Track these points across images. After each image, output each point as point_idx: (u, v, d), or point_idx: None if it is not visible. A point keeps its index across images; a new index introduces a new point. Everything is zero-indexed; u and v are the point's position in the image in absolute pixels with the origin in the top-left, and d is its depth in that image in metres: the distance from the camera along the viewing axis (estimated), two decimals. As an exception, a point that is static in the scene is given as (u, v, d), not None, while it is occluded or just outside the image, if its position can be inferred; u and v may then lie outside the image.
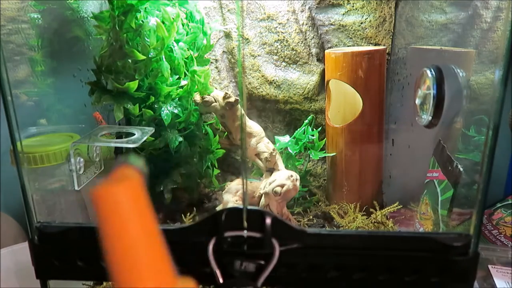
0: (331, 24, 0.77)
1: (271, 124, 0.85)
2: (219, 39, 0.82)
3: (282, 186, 0.63)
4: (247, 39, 0.80)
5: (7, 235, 0.68)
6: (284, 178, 0.64)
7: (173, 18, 0.61)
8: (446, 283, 0.35)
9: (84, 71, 0.69)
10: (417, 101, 0.66)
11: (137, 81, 0.60)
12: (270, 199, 0.65)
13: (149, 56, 0.60)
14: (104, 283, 0.57)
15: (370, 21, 0.75)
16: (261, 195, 0.68)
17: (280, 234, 0.34)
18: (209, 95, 0.69)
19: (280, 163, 0.69)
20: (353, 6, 0.75)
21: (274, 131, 0.85)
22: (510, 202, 0.73)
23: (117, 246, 0.22)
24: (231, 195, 0.68)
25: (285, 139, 0.76)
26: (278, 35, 0.79)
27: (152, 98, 0.63)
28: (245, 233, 0.34)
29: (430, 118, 0.61)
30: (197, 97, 0.70)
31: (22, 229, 0.72)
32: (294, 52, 0.79)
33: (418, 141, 0.74)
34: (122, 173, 0.24)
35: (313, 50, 0.79)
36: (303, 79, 0.80)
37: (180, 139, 0.67)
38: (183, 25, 0.67)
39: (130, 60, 0.59)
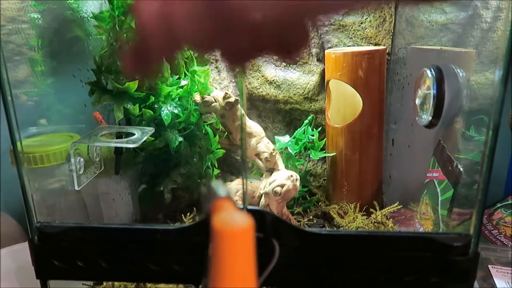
0: (331, 24, 0.77)
1: (271, 124, 0.85)
2: (219, 39, 0.82)
3: (282, 186, 0.63)
4: (247, 39, 0.80)
5: (7, 235, 0.68)
6: (284, 178, 0.64)
7: (173, 18, 0.61)
8: (446, 283, 0.35)
9: (84, 71, 0.69)
10: (417, 101, 0.66)
11: (137, 81, 0.60)
12: (270, 199, 0.65)
13: (149, 56, 0.60)
14: (104, 283, 0.57)
15: (370, 21, 0.75)
16: (261, 195, 0.68)
17: (280, 234, 0.34)
18: (209, 95, 0.69)
19: (280, 163, 0.69)
20: (353, 6, 0.75)
21: (274, 131, 0.85)
22: (510, 202, 0.73)
23: (224, 276, 0.25)
24: (231, 195, 0.68)
25: (285, 139, 0.76)
26: (278, 35, 0.78)
27: (152, 98, 0.63)
28: (245, 233, 0.34)
29: (430, 118, 0.61)
30: (197, 97, 0.70)
31: (22, 229, 0.72)
32: (294, 52, 0.79)
33: (418, 141, 0.74)
34: (234, 210, 0.28)
35: (313, 50, 0.79)
36: (303, 79, 0.80)
37: (180, 139, 0.67)
38: (183, 25, 0.67)
39: (130, 60, 0.59)
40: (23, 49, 0.69)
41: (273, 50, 0.24)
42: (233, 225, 0.26)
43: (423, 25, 0.75)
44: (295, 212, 0.76)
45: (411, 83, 0.74)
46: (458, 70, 0.60)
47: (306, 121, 0.77)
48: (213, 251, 0.26)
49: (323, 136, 0.79)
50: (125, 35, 0.58)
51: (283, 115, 0.84)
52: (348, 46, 0.77)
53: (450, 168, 0.56)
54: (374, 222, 0.69)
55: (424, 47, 0.75)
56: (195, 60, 0.69)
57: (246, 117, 0.71)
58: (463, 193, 0.54)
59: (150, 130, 0.60)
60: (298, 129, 0.76)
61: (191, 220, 0.71)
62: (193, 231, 0.35)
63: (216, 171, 0.81)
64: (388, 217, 0.70)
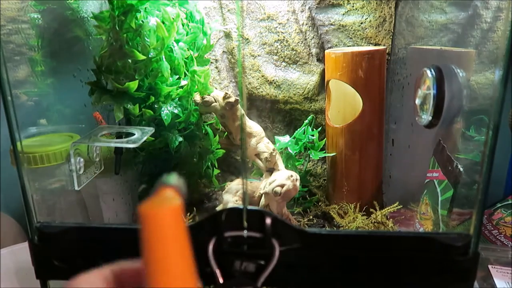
0: (331, 24, 0.77)
1: (271, 124, 0.85)
2: (219, 39, 0.82)
3: (282, 186, 0.63)
4: (247, 39, 0.80)
5: (7, 235, 0.68)
6: (284, 178, 0.64)
7: (173, 18, 0.61)
8: (446, 283, 0.35)
9: (84, 71, 0.69)
10: (417, 101, 0.66)
11: (137, 81, 0.60)
12: (270, 199, 0.65)
13: (149, 56, 0.60)
14: (104, 283, 0.57)
15: (370, 21, 0.75)
16: (261, 195, 0.68)
17: (280, 234, 0.34)
18: (209, 95, 0.69)
19: (280, 163, 0.69)
20: (353, 6, 0.75)
21: (274, 131, 0.85)
22: (510, 202, 0.73)
23: (156, 259, 0.25)
24: (231, 195, 0.68)
25: (285, 139, 0.76)
26: (278, 35, 0.79)
27: (152, 98, 0.63)
28: (245, 233, 0.34)
29: (430, 118, 0.61)
30: (197, 97, 0.70)
31: (22, 229, 0.72)
32: (294, 52, 0.79)
33: (418, 141, 0.74)
34: (167, 195, 0.27)
35: (313, 50, 0.79)
36: (303, 79, 0.80)
37: (180, 139, 0.67)
38: (183, 25, 0.67)
39: (130, 60, 0.59)
40: (23, 49, 0.69)
41: None
42: (153, 206, 0.25)
43: (423, 25, 0.75)
44: (295, 212, 0.76)
45: (411, 83, 0.74)
46: (458, 70, 0.60)
47: (306, 121, 0.77)
48: (141, 236, 0.25)
49: (323, 136, 0.79)
50: (125, 35, 0.58)
51: (283, 115, 0.84)
52: (348, 46, 0.77)
53: (450, 168, 0.56)
54: (374, 222, 0.69)
55: (424, 47, 0.75)
56: (195, 60, 0.69)
57: (246, 117, 0.71)
58: (463, 193, 0.54)
59: (150, 130, 0.60)
60: (298, 129, 0.76)
61: (191, 220, 0.71)
62: (193, 231, 0.35)
63: (216, 171, 0.81)
64: (388, 217, 0.70)
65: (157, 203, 0.26)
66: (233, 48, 0.81)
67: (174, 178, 0.28)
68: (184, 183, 0.29)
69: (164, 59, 0.62)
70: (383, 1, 0.73)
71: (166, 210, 0.26)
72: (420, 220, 0.65)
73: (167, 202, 0.26)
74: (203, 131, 0.75)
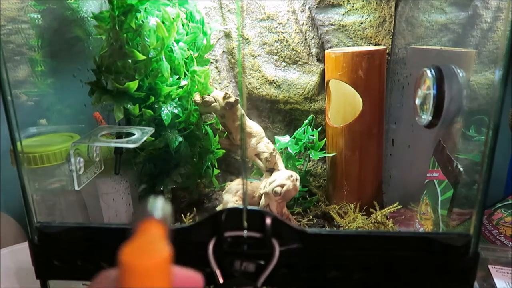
0: (331, 24, 0.77)
1: (271, 124, 0.85)
2: (219, 39, 0.82)
3: (282, 186, 0.63)
4: (247, 39, 0.80)
5: (7, 235, 0.68)
6: (284, 178, 0.64)
7: (173, 18, 0.61)
8: (446, 283, 0.35)
9: (84, 71, 0.69)
10: (417, 101, 0.66)
11: (137, 81, 0.60)
12: (270, 199, 0.65)
13: (149, 56, 0.60)
14: (104, 283, 0.57)
15: (370, 21, 0.75)
16: (261, 195, 0.68)
17: (280, 234, 0.34)
18: (209, 95, 0.69)
19: (280, 163, 0.69)
20: (353, 6, 0.75)
21: (274, 131, 0.85)
22: (510, 202, 0.73)
23: None
24: (231, 195, 0.68)
25: (285, 139, 0.76)
26: (278, 35, 0.79)
27: (152, 98, 0.63)
28: (245, 233, 0.34)
29: (430, 118, 0.61)
30: (197, 97, 0.70)
31: (22, 229, 0.72)
32: (294, 52, 0.79)
33: (418, 141, 0.74)
34: (153, 236, 0.23)
35: (313, 50, 0.79)
36: (303, 79, 0.80)
37: (180, 139, 0.67)
38: (183, 25, 0.67)
39: (130, 60, 0.59)
40: (23, 49, 0.69)
41: None
42: (138, 255, 0.21)
43: (423, 25, 0.75)
44: (295, 212, 0.76)
45: (411, 83, 0.74)
46: (458, 70, 0.60)
47: (306, 121, 0.77)
48: (119, 284, 0.22)
49: (323, 136, 0.79)
50: (125, 35, 0.58)
51: (283, 115, 0.84)
52: (348, 46, 0.77)
53: (450, 168, 0.56)
54: (374, 222, 0.69)
55: (424, 47, 0.75)
56: (195, 60, 0.69)
57: (246, 117, 0.71)
58: (463, 193, 0.54)
59: (150, 130, 0.60)
60: (298, 129, 0.76)
61: (191, 220, 0.71)
62: (193, 231, 0.35)
63: (216, 171, 0.81)
64: (388, 217, 0.70)
65: (142, 250, 0.22)
66: (233, 48, 0.81)
67: (160, 207, 0.25)
68: (170, 211, 0.25)
69: (164, 59, 0.62)
70: (383, 1, 0.73)
71: (153, 263, 0.21)
72: (420, 220, 0.65)
73: (155, 251, 0.22)
74: (203, 131, 0.75)
